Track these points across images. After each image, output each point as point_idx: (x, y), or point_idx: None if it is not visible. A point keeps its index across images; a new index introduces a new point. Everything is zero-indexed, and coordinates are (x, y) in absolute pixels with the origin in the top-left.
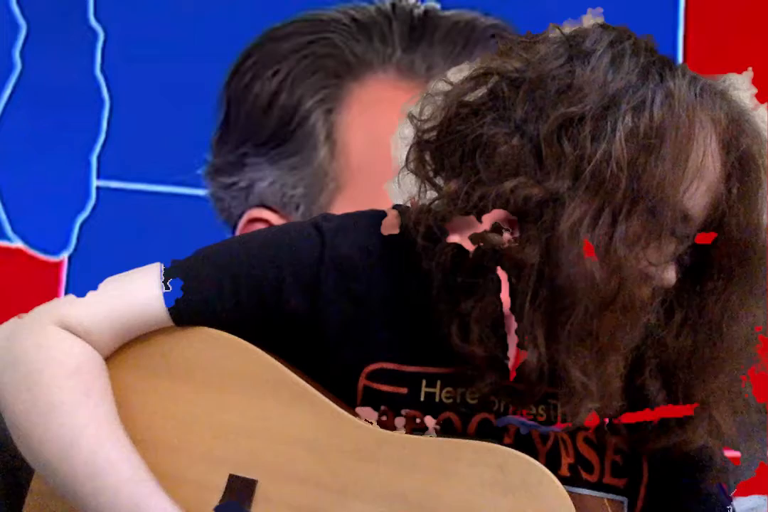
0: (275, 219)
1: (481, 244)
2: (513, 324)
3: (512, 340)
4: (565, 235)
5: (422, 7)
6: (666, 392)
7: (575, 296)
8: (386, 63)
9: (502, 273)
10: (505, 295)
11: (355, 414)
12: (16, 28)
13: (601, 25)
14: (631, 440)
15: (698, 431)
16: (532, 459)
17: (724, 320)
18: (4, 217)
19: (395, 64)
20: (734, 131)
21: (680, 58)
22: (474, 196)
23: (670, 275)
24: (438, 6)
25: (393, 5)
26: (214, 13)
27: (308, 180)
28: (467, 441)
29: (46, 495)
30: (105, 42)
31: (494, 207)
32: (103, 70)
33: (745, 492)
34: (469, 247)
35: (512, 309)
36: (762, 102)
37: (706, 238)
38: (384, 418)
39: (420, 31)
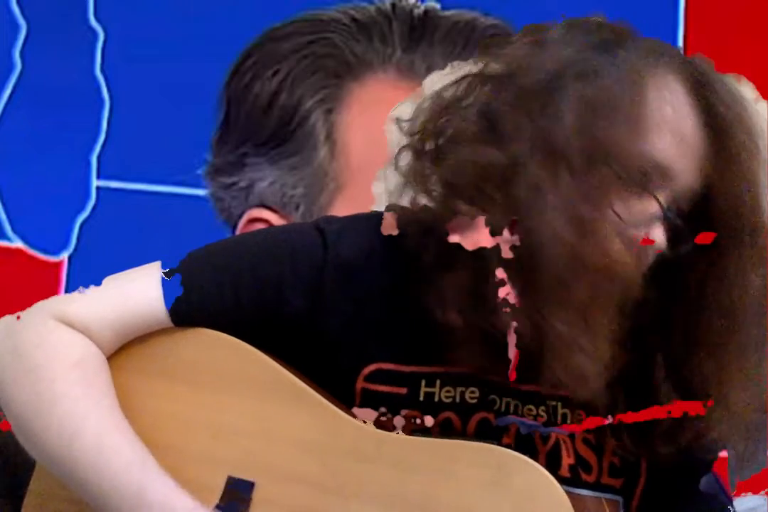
0: (275, 219)
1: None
2: (491, 290)
3: (497, 310)
4: (527, 197)
5: (422, 7)
6: (678, 391)
7: (545, 256)
8: (386, 63)
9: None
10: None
11: (354, 416)
12: (16, 28)
13: (570, 19)
14: (636, 443)
15: (715, 422)
16: (531, 461)
17: (724, 292)
18: (4, 217)
19: (395, 64)
20: (701, 85)
21: None
22: (434, 171)
23: (656, 236)
24: (438, 6)
25: (393, 5)
26: (214, 13)
27: (308, 180)
28: (466, 441)
29: (45, 495)
30: (105, 42)
31: (454, 175)
32: (103, 70)
33: (745, 492)
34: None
35: (483, 274)
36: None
37: (706, 238)
38: (383, 419)
39: (420, 31)
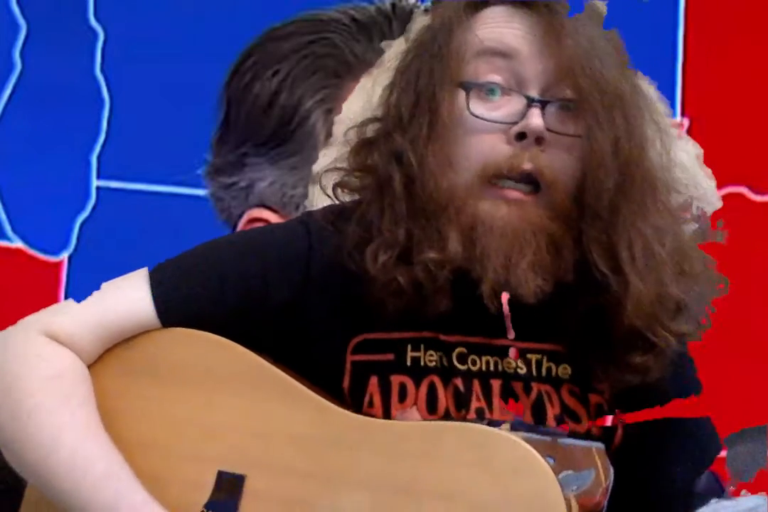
0: (275, 219)
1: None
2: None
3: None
4: (403, 148)
5: (422, 7)
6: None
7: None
8: None
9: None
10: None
11: (338, 404)
12: (16, 28)
13: None
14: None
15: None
16: (514, 437)
17: (590, 150)
18: (4, 217)
19: None
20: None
21: (680, 58)
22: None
23: (532, 122)
24: None
25: (393, 5)
26: (214, 13)
27: (308, 180)
28: (449, 422)
29: (40, 503)
30: (105, 42)
31: (357, 146)
32: (103, 70)
33: (745, 492)
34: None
35: (384, 221)
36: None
37: None
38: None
39: None
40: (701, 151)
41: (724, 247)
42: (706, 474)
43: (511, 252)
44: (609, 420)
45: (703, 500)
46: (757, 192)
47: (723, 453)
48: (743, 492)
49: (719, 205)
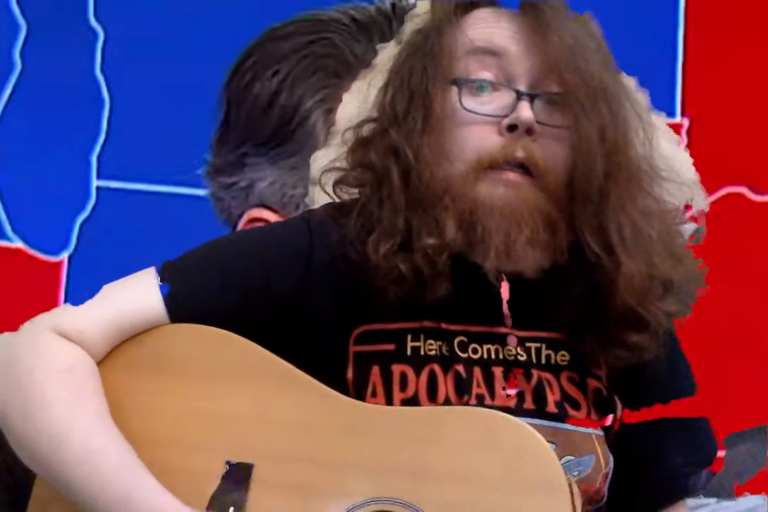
0: (275, 219)
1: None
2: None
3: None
4: (397, 142)
5: (411, 6)
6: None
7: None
8: None
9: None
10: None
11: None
12: (16, 28)
13: None
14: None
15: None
16: (517, 420)
17: (579, 140)
18: (4, 217)
19: None
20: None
21: (680, 58)
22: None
23: (522, 114)
24: None
25: (393, 5)
26: (214, 13)
27: (308, 180)
28: (452, 407)
29: (48, 500)
30: (105, 42)
31: (354, 145)
32: (103, 70)
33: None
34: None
35: (382, 209)
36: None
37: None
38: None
39: None
40: (680, 139)
41: (725, 246)
42: (704, 473)
43: (510, 229)
44: (609, 420)
45: (703, 499)
46: (757, 192)
47: (722, 453)
48: (744, 493)
49: (700, 191)
